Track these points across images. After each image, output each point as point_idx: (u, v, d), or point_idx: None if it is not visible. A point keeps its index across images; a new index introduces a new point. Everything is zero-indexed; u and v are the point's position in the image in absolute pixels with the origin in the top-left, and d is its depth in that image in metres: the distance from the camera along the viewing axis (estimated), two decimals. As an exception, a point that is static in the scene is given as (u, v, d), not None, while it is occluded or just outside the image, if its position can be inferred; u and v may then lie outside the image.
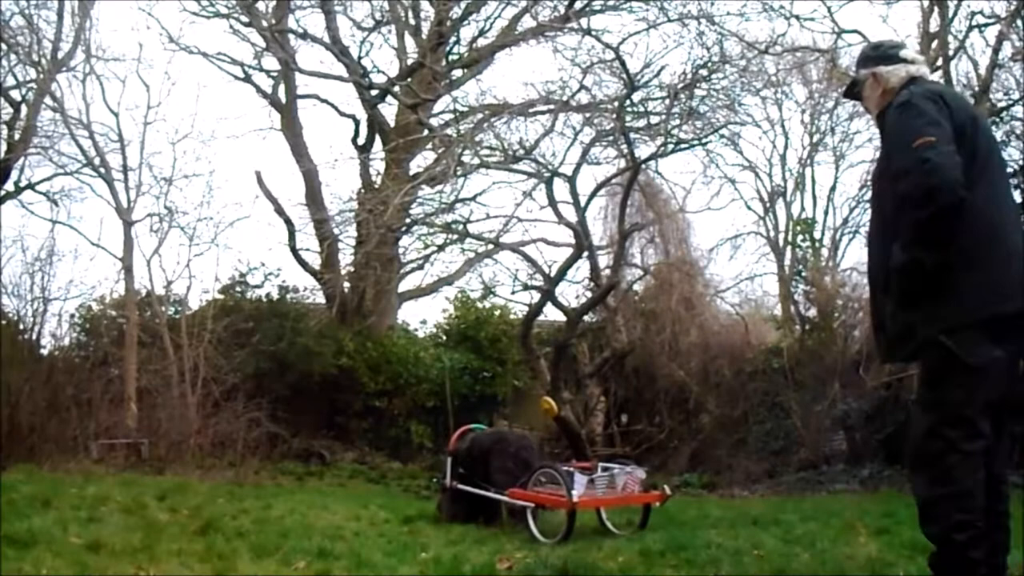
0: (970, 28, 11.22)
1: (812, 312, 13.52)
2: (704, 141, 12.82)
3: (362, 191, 14.07)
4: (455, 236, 13.52)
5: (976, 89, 11.16)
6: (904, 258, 2.87)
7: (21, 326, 11.70)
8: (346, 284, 14.54)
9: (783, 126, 15.60)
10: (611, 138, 12.50)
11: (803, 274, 14.16)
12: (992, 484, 2.83)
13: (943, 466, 2.79)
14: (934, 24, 11.60)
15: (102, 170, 13.38)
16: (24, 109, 13.58)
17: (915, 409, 3.02)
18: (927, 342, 2.88)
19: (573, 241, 11.96)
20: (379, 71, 14.93)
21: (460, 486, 7.29)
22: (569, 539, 5.74)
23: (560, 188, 12.10)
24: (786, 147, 15.84)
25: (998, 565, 2.87)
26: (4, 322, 11.66)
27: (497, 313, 15.65)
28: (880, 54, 3.29)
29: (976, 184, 2.88)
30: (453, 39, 14.62)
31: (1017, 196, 10.60)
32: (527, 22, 13.25)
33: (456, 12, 14.17)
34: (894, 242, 2.92)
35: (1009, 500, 2.98)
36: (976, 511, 2.75)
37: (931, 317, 2.87)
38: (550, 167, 12.00)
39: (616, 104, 11.69)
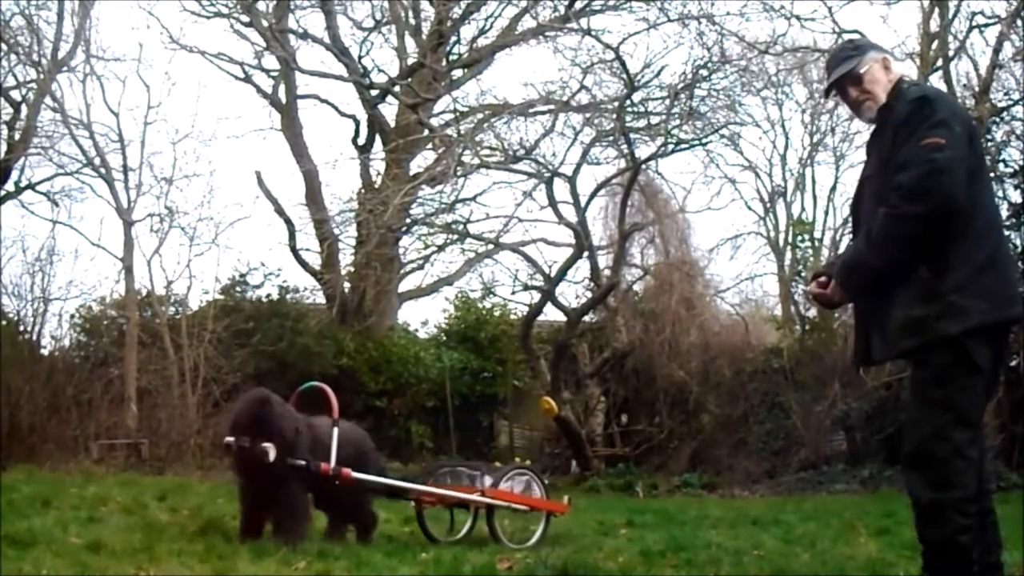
0: (970, 28, 11.26)
1: (812, 312, 13.52)
2: (704, 141, 12.86)
3: (362, 191, 14.08)
4: (455, 236, 13.54)
5: (976, 89, 11.18)
6: (878, 246, 2.83)
7: (21, 326, 11.71)
8: (346, 284, 14.53)
9: (783, 126, 15.58)
10: (611, 138, 12.51)
11: (803, 274, 14.15)
12: (978, 484, 2.84)
13: (947, 470, 2.76)
14: (934, 24, 11.61)
15: (102, 170, 13.34)
16: (24, 109, 13.57)
17: (918, 406, 2.90)
18: (943, 339, 2.79)
19: (573, 241, 11.97)
20: (379, 71, 14.98)
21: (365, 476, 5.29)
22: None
23: (560, 188, 12.13)
24: (786, 147, 15.81)
25: (993, 564, 2.88)
26: (4, 322, 11.67)
27: (497, 313, 15.65)
28: (878, 45, 3.24)
29: (982, 189, 2.90)
30: (453, 39, 14.63)
31: (1017, 196, 10.64)
32: (527, 22, 13.31)
33: (456, 12, 14.17)
34: None
35: (992, 497, 3.00)
36: (974, 515, 2.76)
37: (950, 314, 2.77)
38: (550, 167, 12.01)
39: (616, 104, 11.71)
